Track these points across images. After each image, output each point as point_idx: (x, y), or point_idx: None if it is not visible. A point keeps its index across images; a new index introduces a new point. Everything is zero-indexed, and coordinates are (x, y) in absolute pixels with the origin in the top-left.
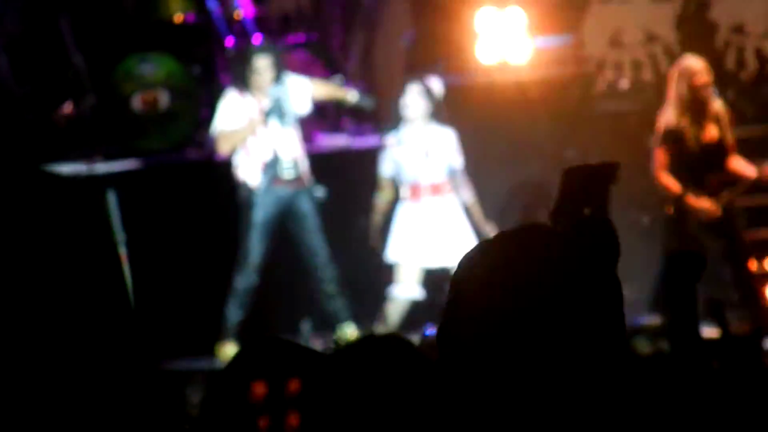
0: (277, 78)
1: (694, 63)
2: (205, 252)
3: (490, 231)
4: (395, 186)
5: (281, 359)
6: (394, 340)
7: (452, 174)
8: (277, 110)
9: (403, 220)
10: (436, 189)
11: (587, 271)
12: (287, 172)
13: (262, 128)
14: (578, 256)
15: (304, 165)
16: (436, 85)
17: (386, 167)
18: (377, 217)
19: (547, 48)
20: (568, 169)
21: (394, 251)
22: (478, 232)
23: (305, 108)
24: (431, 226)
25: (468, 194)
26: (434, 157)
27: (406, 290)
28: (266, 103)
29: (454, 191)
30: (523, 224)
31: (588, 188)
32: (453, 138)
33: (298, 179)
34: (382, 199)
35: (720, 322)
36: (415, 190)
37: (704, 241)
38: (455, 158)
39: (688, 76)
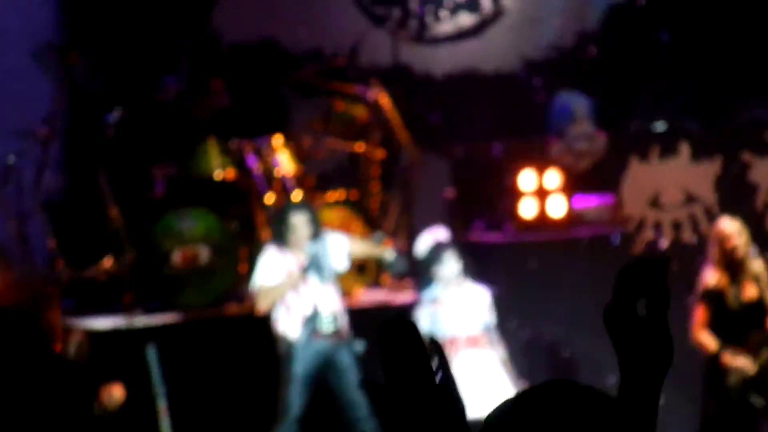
0: (315, 235)
1: (727, 226)
2: (245, 405)
3: (522, 388)
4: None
5: None
6: None
7: (486, 330)
8: (315, 266)
9: None
10: (473, 342)
11: (617, 428)
12: (327, 327)
13: (301, 284)
14: (604, 415)
15: (344, 319)
16: (442, 234)
17: (422, 323)
18: None
19: (586, 207)
20: (624, 267)
21: None
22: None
23: (343, 264)
24: (469, 378)
25: (500, 351)
26: (470, 314)
27: None
28: (304, 259)
29: (490, 346)
30: (551, 380)
31: (643, 283)
32: (487, 296)
33: (337, 333)
34: None
35: None
36: (453, 344)
37: (746, 398)
38: (489, 315)
39: (720, 239)
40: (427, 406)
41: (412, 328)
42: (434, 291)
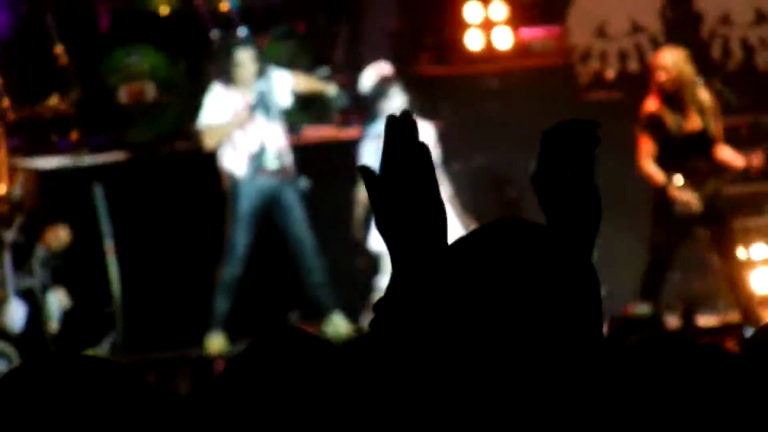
0: (261, 72)
1: (661, 58)
2: (192, 243)
3: (470, 223)
4: None
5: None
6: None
7: None
8: (261, 104)
9: None
10: None
11: (562, 264)
12: (272, 163)
13: (248, 122)
14: (553, 248)
15: (289, 157)
16: (387, 68)
17: (366, 160)
18: (359, 209)
19: (532, 38)
20: (548, 130)
21: (377, 241)
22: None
23: (288, 100)
24: None
25: (447, 187)
26: None
27: None
28: (251, 96)
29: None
30: (500, 218)
31: (569, 149)
32: (432, 132)
33: (282, 170)
34: (363, 191)
35: (687, 319)
36: None
37: (691, 229)
38: (435, 151)
39: (653, 70)
40: (418, 199)
41: (415, 126)
42: (379, 126)
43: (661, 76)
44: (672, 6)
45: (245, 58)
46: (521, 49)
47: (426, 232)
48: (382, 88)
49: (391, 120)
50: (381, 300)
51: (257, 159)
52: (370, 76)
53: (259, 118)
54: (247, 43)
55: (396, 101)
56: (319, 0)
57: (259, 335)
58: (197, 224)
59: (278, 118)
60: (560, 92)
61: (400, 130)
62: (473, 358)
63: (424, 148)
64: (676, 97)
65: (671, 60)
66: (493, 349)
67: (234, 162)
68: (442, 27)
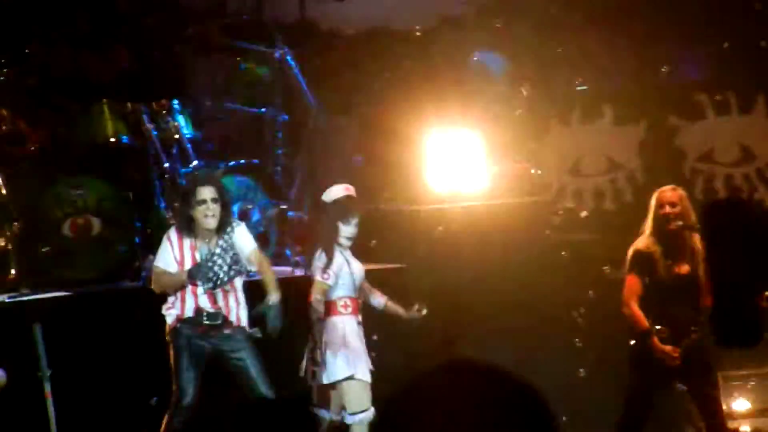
0: (221, 226)
1: (667, 194)
2: (138, 385)
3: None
4: None
5: None
6: None
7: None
8: (204, 274)
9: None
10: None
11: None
12: (212, 321)
13: (181, 288)
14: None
15: (241, 313)
16: (353, 190)
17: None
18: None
19: (503, 175)
20: None
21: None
22: None
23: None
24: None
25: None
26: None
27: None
28: (198, 255)
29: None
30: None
31: None
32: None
33: (225, 324)
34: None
35: None
36: (353, 305)
37: (671, 379)
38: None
39: (657, 205)
40: None
41: None
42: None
43: (667, 211)
44: (651, 142)
45: (206, 193)
46: (491, 186)
47: None
48: (345, 205)
49: None
50: None
51: (194, 319)
52: (338, 191)
53: (198, 290)
54: (209, 181)
55: (352, 229)
56: (276, 133)
57: None
58: (145, 367)
59: (235, 278)
60: (531, 231)
61: None
62: None
63: None
64: (667, 238)
65: (678, 196)
66: None
67: (172, 319)
68: (406, 161)
